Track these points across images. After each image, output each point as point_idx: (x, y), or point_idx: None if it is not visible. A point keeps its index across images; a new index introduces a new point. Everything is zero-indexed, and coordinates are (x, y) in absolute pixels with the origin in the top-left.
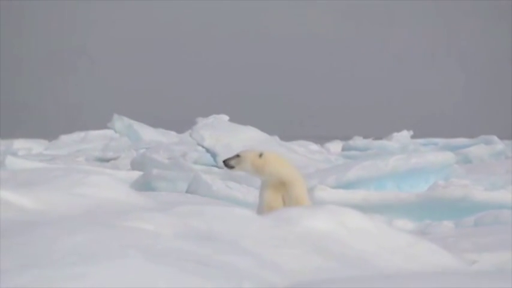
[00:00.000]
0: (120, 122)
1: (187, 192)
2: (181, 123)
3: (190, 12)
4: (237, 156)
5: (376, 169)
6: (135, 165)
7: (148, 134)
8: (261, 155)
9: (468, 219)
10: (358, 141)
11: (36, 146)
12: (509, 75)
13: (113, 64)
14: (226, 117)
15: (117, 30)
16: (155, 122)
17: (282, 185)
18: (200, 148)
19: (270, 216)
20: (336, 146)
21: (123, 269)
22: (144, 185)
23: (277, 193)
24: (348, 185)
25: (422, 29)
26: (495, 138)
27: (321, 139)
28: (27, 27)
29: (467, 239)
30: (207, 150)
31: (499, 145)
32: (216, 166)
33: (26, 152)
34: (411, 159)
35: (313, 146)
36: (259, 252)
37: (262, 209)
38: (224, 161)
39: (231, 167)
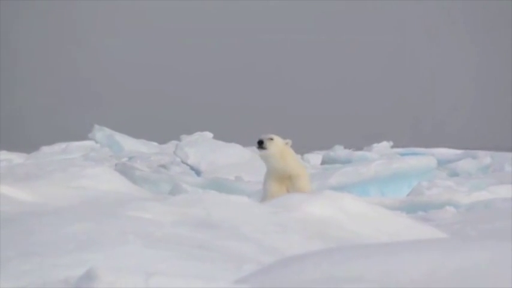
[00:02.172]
0: (101, 132)
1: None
2: (163, 134)
3: (178, 20)
4: (271, 139)
5: (358, 174)
6: None
7: (130, 144)
8: (287, 143)
9: (460, 209)
10: (338, 151)
11: (17, 157)
12: (495, 87)
13: (93, 74)
14: (210, 135)
15: (101, 40)
16: (136, 132)
17: (287, 177)
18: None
19: (269, 203)
20: (315, 157)
21: (124, 254)
22: None
23: (281, 184)
24: None
25: (408, 35)
26: (479, 152)
27: (300, 149)
28: (8, 37)
29: (471, 225)
30: (191, 168)
31: (487, 159)
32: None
33: (7, 163)
34: (393, 164)
35: None
36: (259, 237)
37: (265, 199)
38: (259, 141)
39: (264, 148)
